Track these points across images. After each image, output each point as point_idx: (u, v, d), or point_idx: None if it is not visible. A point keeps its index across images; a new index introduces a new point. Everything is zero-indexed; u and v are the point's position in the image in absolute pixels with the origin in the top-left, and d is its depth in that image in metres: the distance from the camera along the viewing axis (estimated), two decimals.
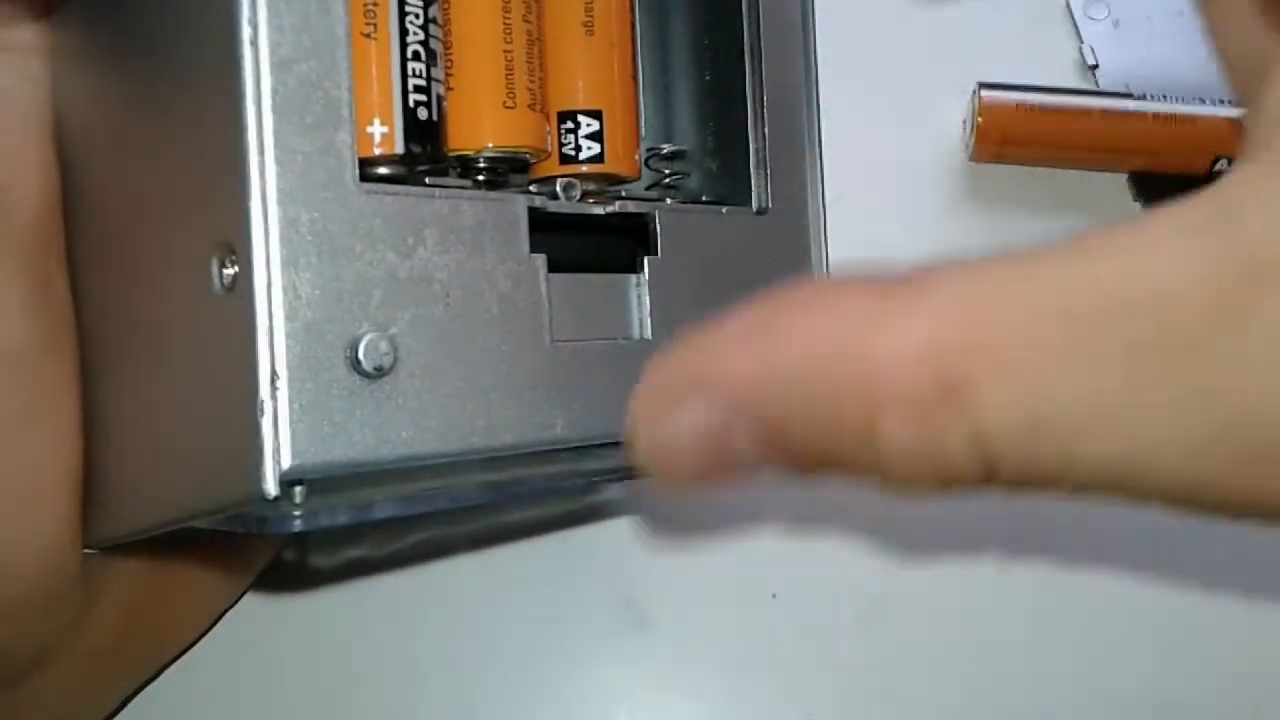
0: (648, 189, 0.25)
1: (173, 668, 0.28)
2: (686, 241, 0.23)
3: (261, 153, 0.17)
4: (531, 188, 0.22)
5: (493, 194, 0.21)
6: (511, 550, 0.31)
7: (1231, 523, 0.14)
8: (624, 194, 0.23)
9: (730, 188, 0.25)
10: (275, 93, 0.17)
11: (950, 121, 0.35)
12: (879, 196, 0.34)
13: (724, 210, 0.24)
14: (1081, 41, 0.37)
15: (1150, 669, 0.31)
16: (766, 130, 0.24)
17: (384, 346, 0.18)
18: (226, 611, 0.29)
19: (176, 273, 0.19)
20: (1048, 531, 0.32)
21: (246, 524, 0.19)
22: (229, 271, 0.18)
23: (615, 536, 0.31)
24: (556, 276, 0.21)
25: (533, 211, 0.21)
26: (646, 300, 0.22)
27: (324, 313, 0.18)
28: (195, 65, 0.18)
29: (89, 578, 0.22)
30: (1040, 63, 0.36)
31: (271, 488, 0.17)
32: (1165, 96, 0.35)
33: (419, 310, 0.19)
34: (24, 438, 0.21)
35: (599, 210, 0.22)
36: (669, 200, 0.24)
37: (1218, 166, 0.34)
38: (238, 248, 0.18)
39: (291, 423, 0.17)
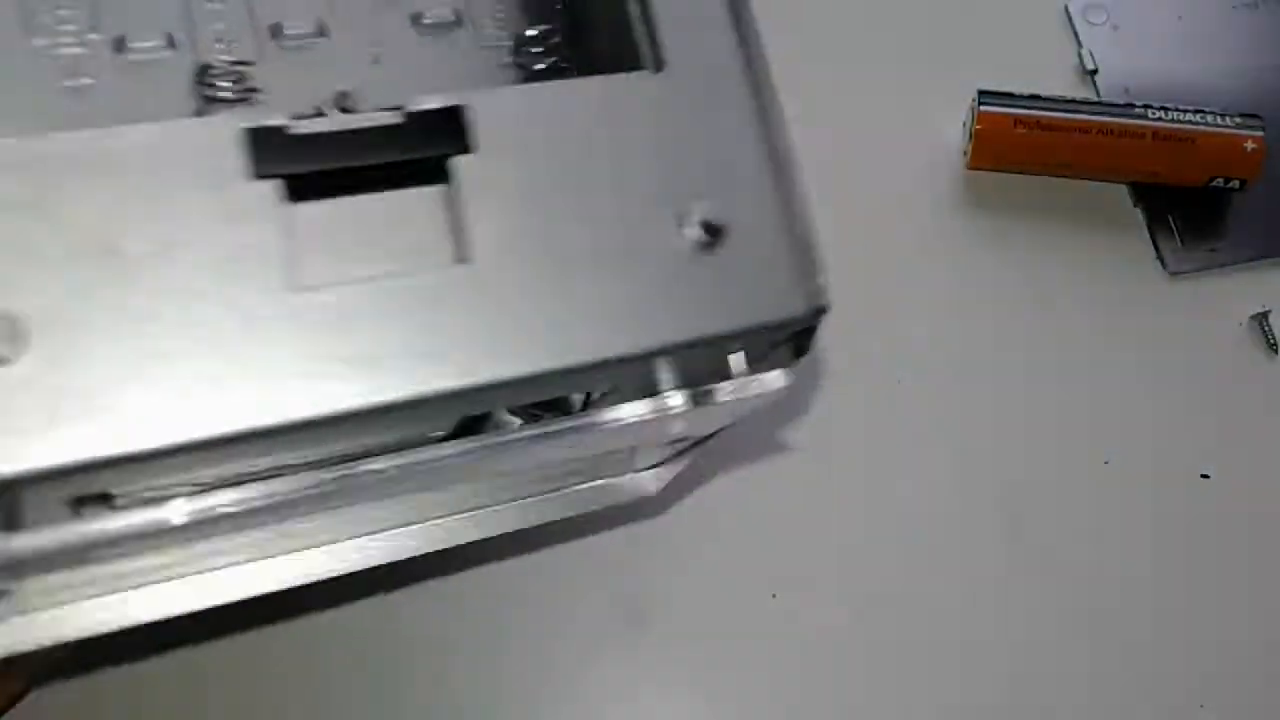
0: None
1: None
2: (519, 129, 0.17)
3: None
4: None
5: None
6: (512, 551, 0.31)
7: None
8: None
9: (621, 54, 0.19)
10: None
11: (950, 124, 0.35)
12: (876, 199, 0.34)
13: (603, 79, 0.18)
14: (1080, 46, 0.37)
15: (1149, 668, 0.31)
16: None
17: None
18: None
19: None
20: (1047, 531, 0.32)
21: None
22: None
23: (615, 536, 0.31)
24: (306, 207, 0.16)
25: (256, 134, 0.16)
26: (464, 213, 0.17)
27: None
28: None
29: None
30: (1040, 67, 0.36)
31: None
32: (1165, 107, 0.34)
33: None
34: None
35: (388, 120, 0.17)
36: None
37: (1214, 183, 0.34)
38: None
39: None
